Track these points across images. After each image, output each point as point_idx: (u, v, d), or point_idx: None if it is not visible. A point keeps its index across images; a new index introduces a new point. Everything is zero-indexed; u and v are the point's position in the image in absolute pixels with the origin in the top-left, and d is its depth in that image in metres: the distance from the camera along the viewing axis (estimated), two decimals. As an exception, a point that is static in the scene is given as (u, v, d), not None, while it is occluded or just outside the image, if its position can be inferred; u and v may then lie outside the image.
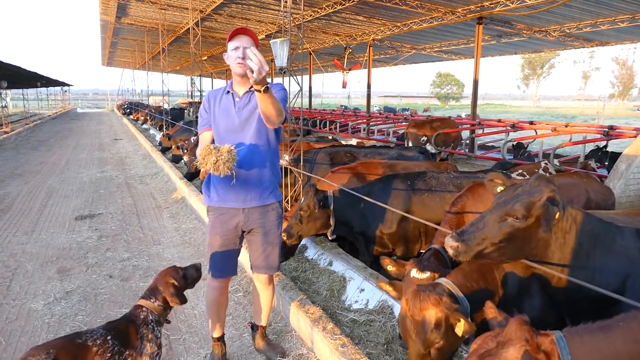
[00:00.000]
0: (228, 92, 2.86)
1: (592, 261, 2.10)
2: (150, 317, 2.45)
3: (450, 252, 2.10)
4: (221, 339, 3.13)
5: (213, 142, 2.87)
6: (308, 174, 5.56)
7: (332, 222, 4.34)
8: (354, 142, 11.01)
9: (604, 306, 2.06)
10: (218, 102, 2.86)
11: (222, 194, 2.87)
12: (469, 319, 2.17)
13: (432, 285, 2.35)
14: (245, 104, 2.80)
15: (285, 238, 4.19)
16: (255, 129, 2.80)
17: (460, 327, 2.10)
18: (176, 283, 2.57)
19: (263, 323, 3.26)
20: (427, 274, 2.77)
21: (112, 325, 2.35)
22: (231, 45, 2.73)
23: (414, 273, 2.80)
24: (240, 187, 2.80)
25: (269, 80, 2.93)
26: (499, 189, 2.30)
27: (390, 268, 2.95)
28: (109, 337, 2.22)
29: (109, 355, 2.18)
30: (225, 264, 2.96)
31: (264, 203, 2.92)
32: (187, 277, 2.66)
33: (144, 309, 2.47)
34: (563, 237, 2.07)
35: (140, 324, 2.40)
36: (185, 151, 9.33)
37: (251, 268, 3.11)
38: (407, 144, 11.31)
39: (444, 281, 2.40)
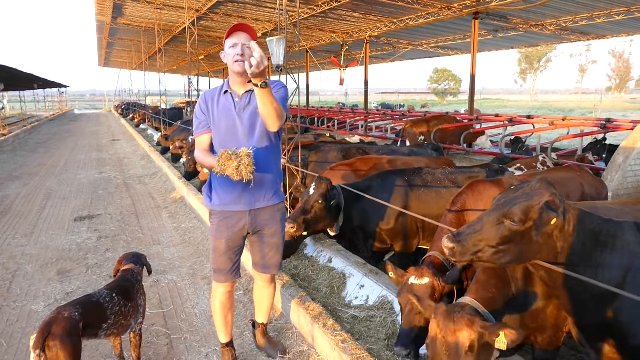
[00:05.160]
0: (226, 91, 2.75)
1: (595, 260, 2.10)
2: (138, 277, 3.10)
3: (447, 252, 2.09)
4: (230, 344, 3.09)
5: (212, 144, 2.81)
6: (308, 172, 5.57)
7: (341, 217, 4.28)
8: (356, 139, 10.98)
9: (607, 302, 2.08)
10: (216, 103, 2.76)
11: (223, 197, 2.80)
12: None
13: (459, 306, 2.30)
14: (246, 104, 2.72)
15: (292, 229, 3.96)
16: (259, 130, 2.73)
17: (502, 340, 2.02)
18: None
19: (264, 320, 3.26)
20: (425, 280, 2.79)
21: (113, 285, 2.91)
22: (229, 42, 2.63)
23: (412, 279, 2.82)
24: (245, 189, 2.72)
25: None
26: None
27: (392, 275, 3.01)
28: (113, 294, 2.77)
29: (117, 308, 2.73)
30: (230, 267, 2.92)
31: (270, 203, 2.87)
32: None
33: (134, 271, 3.08)
34: (566, 240, 2.05)
35: (134, 281, 3.02)
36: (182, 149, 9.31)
37: (253, 267, 3.08)
38: (401, 142, 11.31)
39: (468, 300, 2.35)
